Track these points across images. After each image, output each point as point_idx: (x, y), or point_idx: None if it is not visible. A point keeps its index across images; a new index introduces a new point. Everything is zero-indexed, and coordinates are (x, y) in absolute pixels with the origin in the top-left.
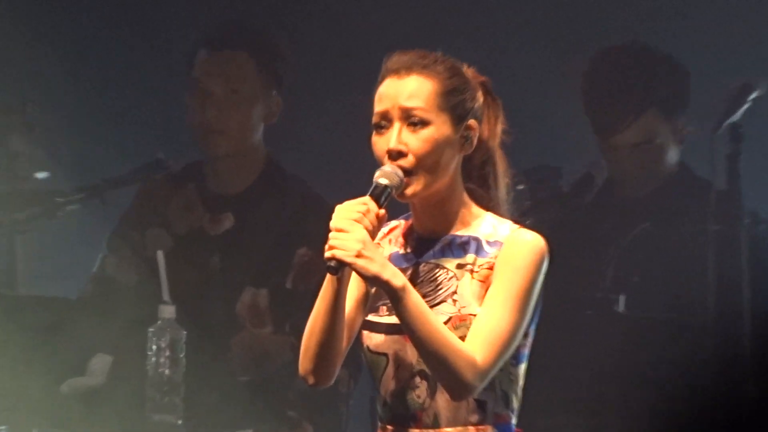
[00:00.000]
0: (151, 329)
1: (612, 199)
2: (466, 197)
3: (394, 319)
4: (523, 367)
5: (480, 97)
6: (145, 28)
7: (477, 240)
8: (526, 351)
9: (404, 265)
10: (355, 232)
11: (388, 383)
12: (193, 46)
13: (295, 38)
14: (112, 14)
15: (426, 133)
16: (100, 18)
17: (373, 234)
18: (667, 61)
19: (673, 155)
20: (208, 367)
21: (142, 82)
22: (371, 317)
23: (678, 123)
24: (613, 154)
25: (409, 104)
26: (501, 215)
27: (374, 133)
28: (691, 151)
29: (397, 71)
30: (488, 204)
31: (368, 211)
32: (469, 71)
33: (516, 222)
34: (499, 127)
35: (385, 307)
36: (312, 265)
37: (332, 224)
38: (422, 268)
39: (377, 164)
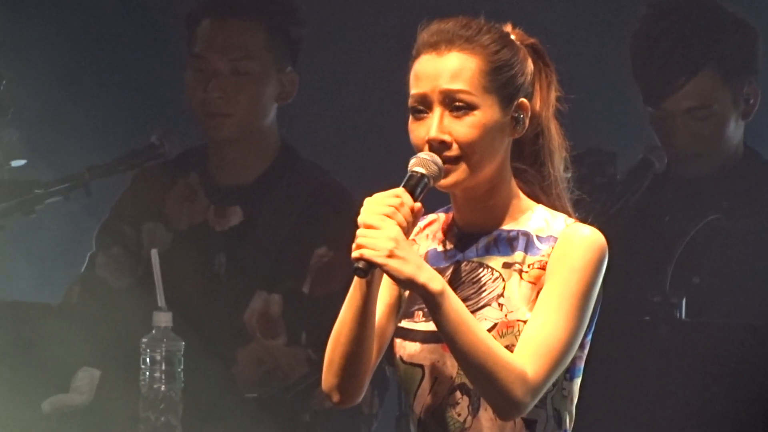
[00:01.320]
0: (144, 339)
1: (671, 187)
2: (515, 187)
3: (431, 326)
4: (578, 382)
5: (530, 66)
6: None
7: (527, 235)
8: (582, 364)
9: (443, 264)
10: (386, 228)
11: (424, 399)
12: (195, 13)
13: None
14: None
15: (471, 119)
16: None
17: (407, 231)
18: (731, 18)
19: (735, 130)
20: (211, 382)
21: (134, 54)
22: (405, 323)
23: (741, 91)
24: (665, 124)
25: (451, 87)
26: (557, 195)
27: (411, 117)
28: (759, 133)
29: (435, 46)
30: (541, 185)
31: (402, 204)
32: (516, 33)
33: (573, 207)
34: (553, 95)
35: (421, 312)
36: (332, 267)
37: (360, 220)
38: (464, 267)
39: (413, 151)
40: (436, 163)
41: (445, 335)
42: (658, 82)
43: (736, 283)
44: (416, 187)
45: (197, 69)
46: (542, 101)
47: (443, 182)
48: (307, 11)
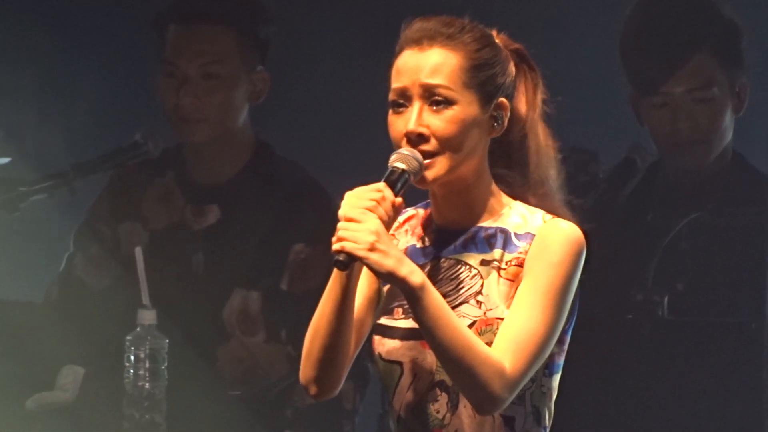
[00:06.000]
0: (128, 337)
1: (656, 186)
2: (493, 184)
3: (411, 323)
4: (557, 379)
5: (512, 69)
6: None
7: (505, 232)
8: (561, 360)
9: (421, 261)
10: (367, 222)
11: (403, 396)
12: (161, 18)
13: None
14: None
15: (450, 113)
16: None
17: (388, 225)
18: (718, 13)
19: (729, 123)
20: (194, 380)
21: (119, 52)
22: (384, 320)
23: (735, 81)
24: (667, 110)
25: (431, 81)
26: (544, 195)
27: (390, 111)
28: (746, 139)
29: (417, 42)
30: (527, 185)
31: (383, 198)
32: (500, 38)
33: (567, 207)
34: (539, 97)
35: (401, 310)
36: (310, 263)
37: (341, 213)
38: (442, 264)
39: (392, 146)
40: (416, 159)
41: (424, 329)
42: (656, 66)
43: (719, 281)
44: (397, 182)
45: (168, 74)
46: (528, 104)
47: (424, 179)
48: (275, 9)
